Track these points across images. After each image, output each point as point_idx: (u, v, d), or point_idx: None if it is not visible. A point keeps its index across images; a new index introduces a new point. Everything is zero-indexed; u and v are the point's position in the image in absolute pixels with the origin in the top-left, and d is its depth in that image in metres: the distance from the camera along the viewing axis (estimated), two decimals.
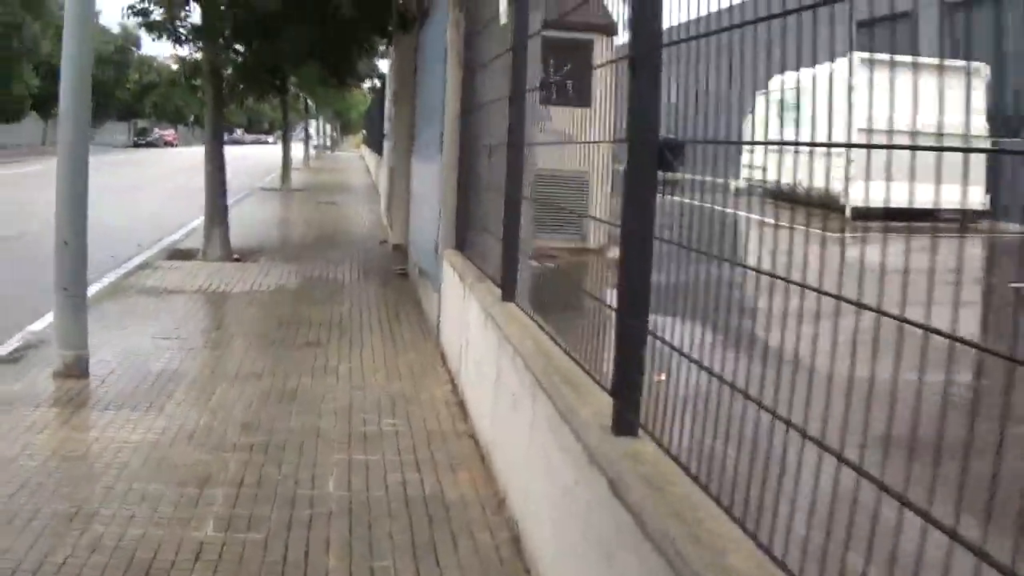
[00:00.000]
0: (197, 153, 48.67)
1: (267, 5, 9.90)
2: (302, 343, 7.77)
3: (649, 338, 2.66)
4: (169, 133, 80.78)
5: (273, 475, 4.62)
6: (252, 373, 6.66)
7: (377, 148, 28.44)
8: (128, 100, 64.90)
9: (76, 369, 6.30)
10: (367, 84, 36.28)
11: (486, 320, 5.10)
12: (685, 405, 2.43)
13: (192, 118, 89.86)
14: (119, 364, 6.72)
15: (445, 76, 7.94)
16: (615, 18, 3.72)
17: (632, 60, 2.73)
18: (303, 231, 16.25)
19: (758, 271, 2.17)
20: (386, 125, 18.18)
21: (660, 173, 2.64)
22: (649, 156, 2.66)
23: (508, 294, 4.93)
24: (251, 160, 35.83)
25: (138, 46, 64.80)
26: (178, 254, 12.73)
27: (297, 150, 42.26)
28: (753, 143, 2.66)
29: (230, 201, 22.40)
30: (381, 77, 28.80)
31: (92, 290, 9.91)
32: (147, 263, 11.91)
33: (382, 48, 18.11)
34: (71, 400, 5.87)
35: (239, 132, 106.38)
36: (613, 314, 2.86)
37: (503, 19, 5.61)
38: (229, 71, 11.86)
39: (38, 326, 7.78)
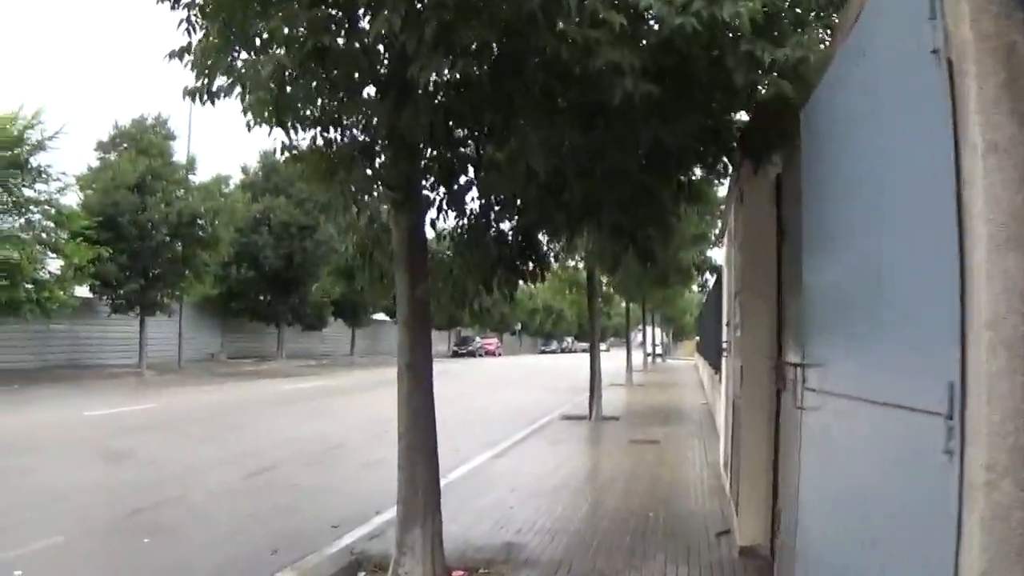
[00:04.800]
0: (516, 365, 46.07)
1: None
2: None
3: None
4: (492, 342, 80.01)
5: None
6: None
7: (712, 360, 22.43)
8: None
9: None
10: (696, 283, 30.78)
11: None
12: None
13: (519, 325, 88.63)
14: None
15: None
16: None
17: None
18: (593, 503, 10.22)
19: None
20: (724, 333, 12.23)
21: None
22: None
23: None
24: (575, 375, 30.86)
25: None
26: (364, 564, 7.39)
27: (624, 358, 37.38)
28: None
29: (522, 433, 17.19)
30: (714, 269, 23.00)
31: None
32: None
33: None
34: None
35: (569, 340, 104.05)
36: None
37: None
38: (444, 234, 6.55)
39: None
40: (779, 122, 5.63)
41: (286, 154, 6.09)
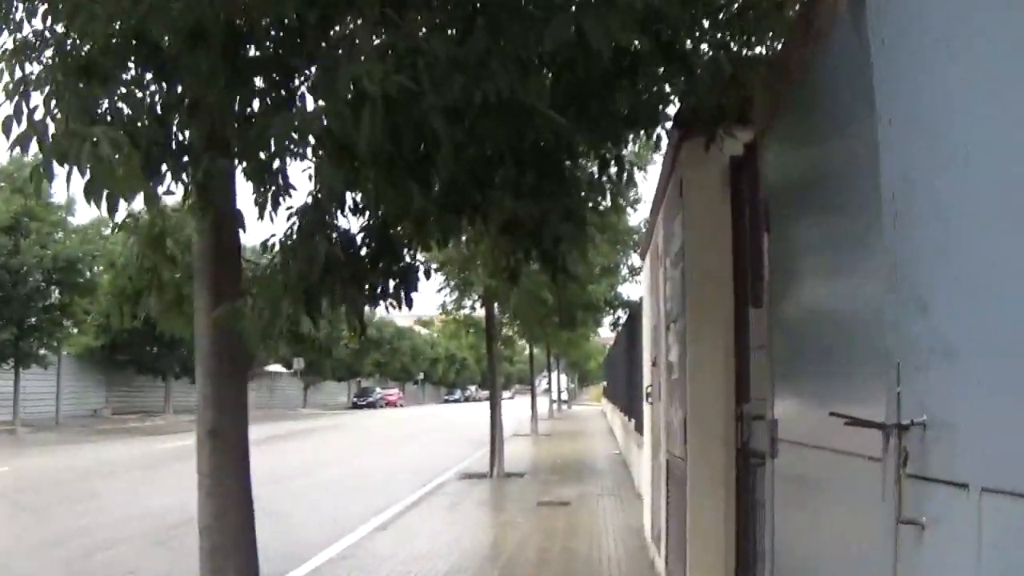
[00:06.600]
0: (417, 415, 43.67)
1: None
2: None
3: None
4: (393, 393, 77.20)
5: None
6: None
7: (624, 406, 20.58)
8: (346, 359, 59.93)
9: None
10: (607, 323, 29.04)
11: None
12: None
13: (421, 375, 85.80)
14: None
15: None
16: None
17: None
18: None
19: None
20: (645, 375, 10.36)
21: None
22: None
23: None
24: (477, 425, 28.65)
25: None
26: None
27: (538, 405, 35.69)
28: None
29: (414, 497, 14.85)
30: (627, 306, 21.15)
31: None
32: None
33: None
34: None
35: (473, 389, 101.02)
36: None
37: None
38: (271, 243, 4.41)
39: None
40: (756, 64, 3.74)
41: None
